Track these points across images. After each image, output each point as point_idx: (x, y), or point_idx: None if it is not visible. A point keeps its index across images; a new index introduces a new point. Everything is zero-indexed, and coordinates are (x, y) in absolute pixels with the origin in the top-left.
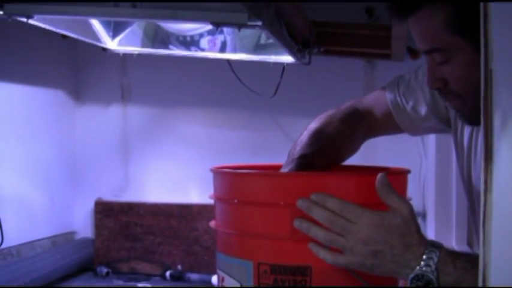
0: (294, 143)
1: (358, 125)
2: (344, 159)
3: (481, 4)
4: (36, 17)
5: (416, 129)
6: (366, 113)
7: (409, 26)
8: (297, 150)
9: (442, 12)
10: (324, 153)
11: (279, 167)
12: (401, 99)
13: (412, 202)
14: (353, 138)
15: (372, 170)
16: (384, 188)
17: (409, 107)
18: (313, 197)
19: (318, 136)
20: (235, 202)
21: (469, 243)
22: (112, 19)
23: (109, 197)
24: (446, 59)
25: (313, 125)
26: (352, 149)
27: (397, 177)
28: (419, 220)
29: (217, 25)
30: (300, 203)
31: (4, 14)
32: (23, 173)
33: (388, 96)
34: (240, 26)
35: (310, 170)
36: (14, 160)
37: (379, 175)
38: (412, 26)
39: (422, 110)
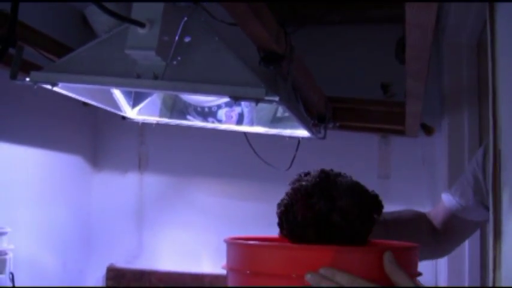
0: None
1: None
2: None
3: (490, 104)
4: (60, 84)
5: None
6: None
7: None
8: None
9: None
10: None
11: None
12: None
13: (423, 277)
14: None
15: (384, 246)
16: (390, 265)
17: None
18: (322, 271)
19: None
20: (247, 273)
21: None
22: (134, 90)
23: (122, 263)
24: None
25: None
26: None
27: (407, 253)
28: None
29: (236, 99)
30: (309, 277)
31: (30, 81)
32: (38, 236)
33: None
34: (257, 100)
35: None
36: (30, 223)
37: (386, 253)
38: None
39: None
